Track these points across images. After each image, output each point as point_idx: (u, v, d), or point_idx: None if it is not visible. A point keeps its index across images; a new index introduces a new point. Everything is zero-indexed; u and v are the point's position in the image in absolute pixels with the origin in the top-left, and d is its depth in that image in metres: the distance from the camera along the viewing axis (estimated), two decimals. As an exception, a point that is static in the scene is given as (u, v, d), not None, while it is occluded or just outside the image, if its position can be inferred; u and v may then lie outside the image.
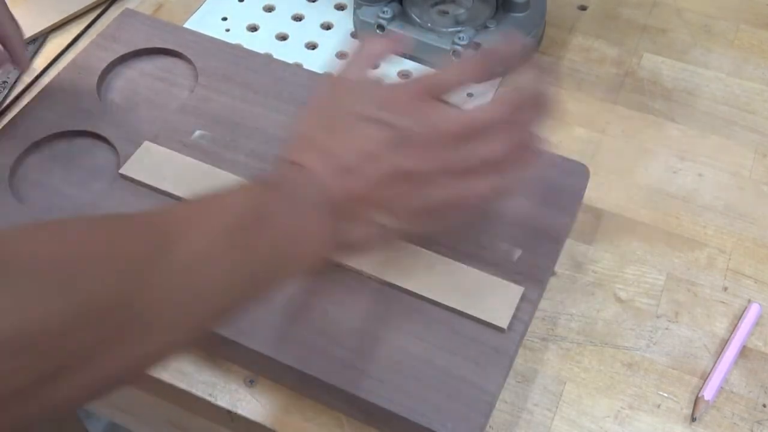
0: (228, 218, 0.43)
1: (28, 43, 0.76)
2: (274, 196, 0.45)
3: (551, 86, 0.49)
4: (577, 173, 0.61)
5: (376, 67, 0.52)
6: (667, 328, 0.58)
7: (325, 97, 0.51)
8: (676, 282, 0.61)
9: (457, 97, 0.73)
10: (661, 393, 0.55)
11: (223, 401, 0.54)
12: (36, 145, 0.63)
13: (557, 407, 0.55)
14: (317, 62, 0.75)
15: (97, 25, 0.78)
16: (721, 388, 0.55)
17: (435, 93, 0.49)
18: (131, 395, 0.61)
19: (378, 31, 0.75)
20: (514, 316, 0.53)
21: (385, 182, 0.47)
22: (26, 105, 0.65)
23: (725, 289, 0.61)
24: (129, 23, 0.71)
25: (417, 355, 0.52)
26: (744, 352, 0.57)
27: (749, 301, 0.60)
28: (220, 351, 0.55)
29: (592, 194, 0.65)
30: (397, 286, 0.55)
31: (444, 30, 0.74)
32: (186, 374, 0.55)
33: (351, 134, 0.47)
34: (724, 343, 0.57)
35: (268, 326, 0.53)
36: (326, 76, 0.52)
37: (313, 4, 0.82)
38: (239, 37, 0.77)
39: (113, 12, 0.79)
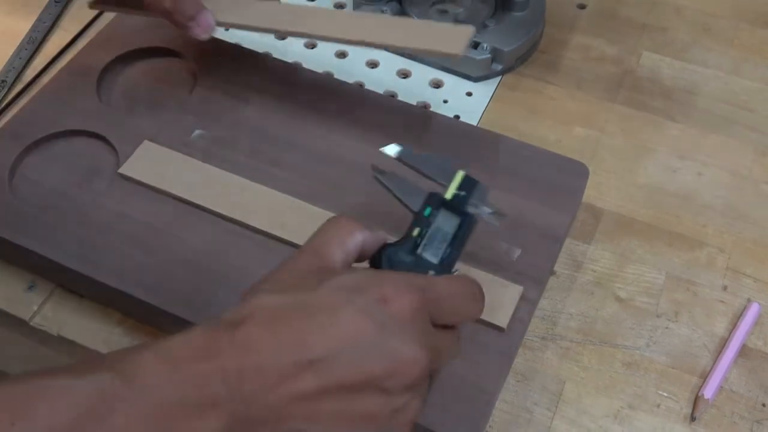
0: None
1: (27, 42, 0.76)
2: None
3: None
4: (577, 172, 0.61)
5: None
6: (666, 328, 0.58)
7: (311, 258, 0.42)
8: (676, 281, 0.61)
9: (458, 97, 0.73)
10: (660, 392, 0.55)
11: (223, 401, 0.54)
12: (35, 145, 0.63)
13: (557, 406, 0.55)
14: (317, 62, 0.75)
15: (96, 25, 0.78)
16: (721, 387, 0.55)
17: (435, 313, 0.40)
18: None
19: (377, 30, 0.75)
20: (514, 316, 0.53)
21: (356, 389, 0.37)
22: (25, 104, 0.65)
23: (725, 288, 0.61)
24: (129, 23, 0.71)
25: (417, 355, 0.52)
26: (744, 351, 0.57)
27: (749, 301, 0.60)
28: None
29: (592, 193, 0.65)
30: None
31: (443, 29, 0.74)
32: (186, 374, 0.55)
33: (335, 319, 0.37)
34: (724, 343, 0.57)
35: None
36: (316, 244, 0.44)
37: (312, 3, 0.82)
38: (239, 37, 0.77)
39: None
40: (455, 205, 0.48)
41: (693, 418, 0.54)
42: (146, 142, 0.62)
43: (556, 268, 0.61)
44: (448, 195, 0.48)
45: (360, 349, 0.37)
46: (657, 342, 0.58)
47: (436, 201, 0.47)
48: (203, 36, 0.58)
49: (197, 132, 0.63)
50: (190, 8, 0.56)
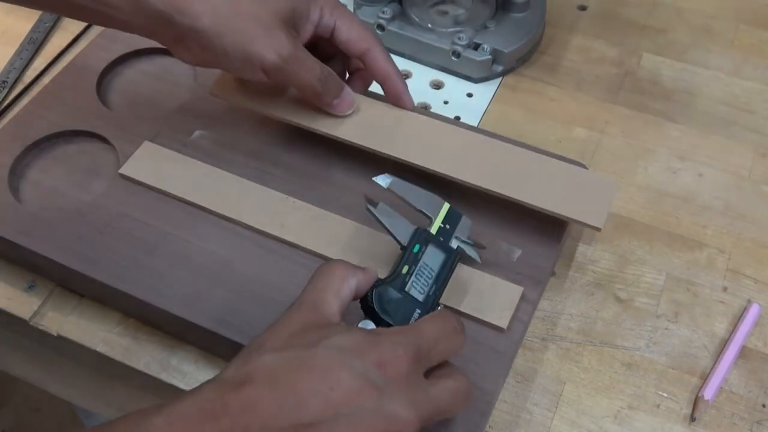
0: None
1: (28, 43, 0.76)
2: None
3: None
4: (577, 173, 0.61)
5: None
6: (666, 328, 0.58)
7: (309, 312, 0.44)
8: (676, 282, 0.61)
9: (459, 98, 0.73)
10: (660, 393, 0.55)
11: (222, 401, 0.54)
12: (36, 145, 0.63)
13: (557, 407, 0.55)
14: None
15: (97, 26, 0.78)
16: (721, 388, 0.55)
17: (426, 361, 0.43)
18: (130, 396, 0.61)
19: (378, 31, 0.75)
20: (514, 316, 0.53)
21: None
22: (26, 105, 0.65)
23: (725, 289, 0.61)
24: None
25: (417, 355, 0.52)
26: (744, 352, 0.57)
27: (749, 301, 0.60)
28: (219, 350, 0.55)
29: (592, 194, 0.65)
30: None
31: (443, 30, 0.74)
32: (186, 374, 0.55)
33: (334, 382, 0.39)
34: (724, 343, 0.57)
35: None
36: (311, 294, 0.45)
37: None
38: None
39: (113, 12, 0.79)
40: (441, 241, 0.51)
41: (693, 419, 0.54)
42: (146, 143, 0.62)
43: (556, 268, 0.61)
44: (434, 228, 0.51)
45: (357, 412, 0.38)
46: (657, 343, 0.58)
47: (423, 237, 0.50)
48: (347, 112, 0.59)
49: (197, 132, 0.63)
50: (337, 89, 0.58)
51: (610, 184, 0.57)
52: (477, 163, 0.58)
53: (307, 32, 0.56)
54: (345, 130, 0.59)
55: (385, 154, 0.59)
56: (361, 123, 0.60)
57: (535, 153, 0.59)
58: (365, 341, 0.41)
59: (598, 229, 0.55)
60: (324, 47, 0.59)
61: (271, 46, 0.53)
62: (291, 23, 0.54)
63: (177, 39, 0.53)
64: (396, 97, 0.60)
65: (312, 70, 0.55)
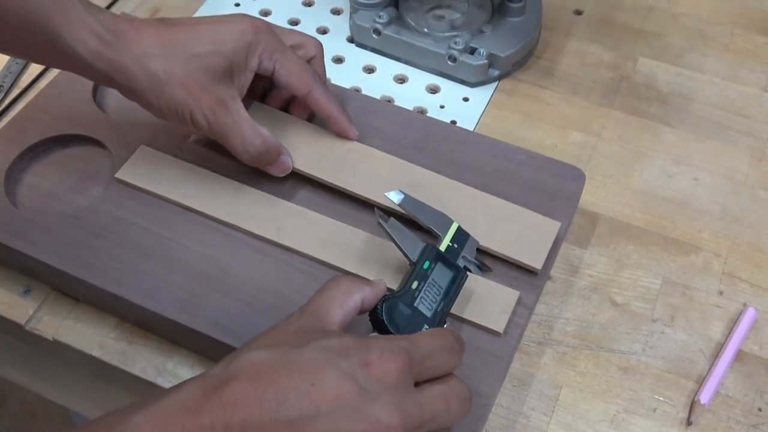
0: None
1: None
2: None
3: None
4: (573, 177, 0.61)
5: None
6: (662, 332, 0.58)
7: (308, 320, 0.44)
8: (672, 286, 0.61)
9: (455, 102, 0.73)
10: (656, 397, 0.55)
11: (218, 406, 0.54)
12: (32, 149, 0.63)
13: (553, 411, 0.55)
14: (313, 66, 0.75)
15: (93, 30, 0.78)
16: (717, 392, 0.55)
17: (417, 372, 0.42)
18: (126, 401, 0.61)
19: (374, 35, 0.75)
20: (510, 321, 0.53)
21: None
22: (22, 109, 0.65)
23: (721, 293, 0.61)
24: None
25: (413, 360, 0.52)
26: (739, 355, 0.57)
27: (745, 305, 0.60)
28: (215, 355, 0.55)
29: (588, 198, 0.65)
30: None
31: (440, 34, 0.74)
32: (182, 378, 0.55)
33: (317, 379, 0.39)
34: (720, 347, 0.58)
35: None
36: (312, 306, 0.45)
37: (309, 8, 0.82)
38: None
39: (109, 16, 0.79)
40: (449, 259, 0.51)
41: (689, 423, 0.54)
42: (143, 147, 0.62)
43: (553, 272, 0.61)
44: (443, 246, 0.52)
45: (339, 412, 0.38)
46: (653, 347, 0.58)
47: (433, 254, 0.50)
48: (279, 175, 0.60)
49: (193, 137, 0.63)
50: (270, 158, 0.58)
51: (555, 227, 0.57)
52: (421, 197, 0.57)
53: (247, 79, 0.57)
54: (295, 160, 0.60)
55: (330, 183, 0.59)
56: (312, 153, 0.60)
57: (482, 192, 0.59)
58: (354, 343, 0.41)
59: (537, 270, 0.55)
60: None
61: (202, 112, 0.54)
62: (228, 78, 0.55)
63: (124, 91, 0.55)
64: (341, 134, 0.61)
65: (240, 138, 0.56)
